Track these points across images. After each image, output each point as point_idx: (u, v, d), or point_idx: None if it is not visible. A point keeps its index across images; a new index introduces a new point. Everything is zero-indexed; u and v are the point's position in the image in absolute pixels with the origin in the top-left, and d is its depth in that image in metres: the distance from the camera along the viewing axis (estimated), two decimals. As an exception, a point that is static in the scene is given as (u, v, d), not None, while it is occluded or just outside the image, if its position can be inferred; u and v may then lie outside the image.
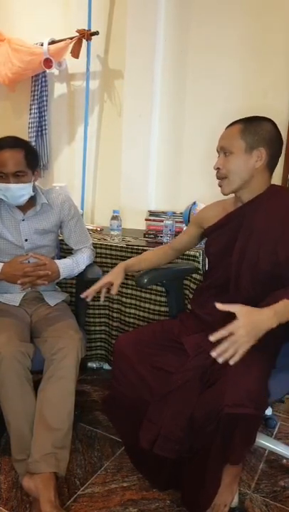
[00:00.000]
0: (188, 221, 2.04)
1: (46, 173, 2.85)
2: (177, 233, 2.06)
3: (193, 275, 1.78)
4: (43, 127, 2.77)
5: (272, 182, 1.35)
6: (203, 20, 2.19)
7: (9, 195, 1.54)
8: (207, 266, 1.58)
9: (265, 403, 1.12)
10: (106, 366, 2.23)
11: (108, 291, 1.48)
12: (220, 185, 1.33)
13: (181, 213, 2.16)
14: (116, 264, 1.95)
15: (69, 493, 1.40)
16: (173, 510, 1.34)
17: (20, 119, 2.89)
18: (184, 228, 2.09)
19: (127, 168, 2.45)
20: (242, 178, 1.28)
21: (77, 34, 2.42)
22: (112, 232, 2.08)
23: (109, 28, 2.47)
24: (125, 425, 1.40)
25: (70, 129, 2.75)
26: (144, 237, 2.17)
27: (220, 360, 1.03)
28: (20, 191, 1.53)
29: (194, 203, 2.07)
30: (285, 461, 1.60)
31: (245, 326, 1.03)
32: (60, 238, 1.85)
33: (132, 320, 2.00)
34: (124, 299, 2.00)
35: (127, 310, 2.00)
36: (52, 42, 2.51)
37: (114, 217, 2.10)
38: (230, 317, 1.21)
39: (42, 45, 2.53)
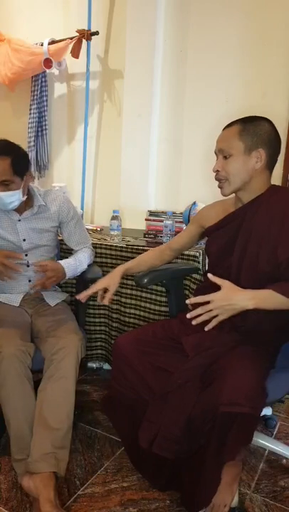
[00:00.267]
0: (188, 221, 2.04)
1: (46, 173, 2.85)
2: (177, 233, 2.06)
3: (193, 275, 1.78)
4: (43, 127, 2.77)
5: (273, 182, 1.34)
6: (202, 21, 2.19)
7: None
8: (207, 266, 1.58)
9: (262, 403, 1.12)
10: (106, 366, 2.23)
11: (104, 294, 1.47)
12: (220, 187, 1.32)
13: (181, 213, 2.16)
14: (116, 264, 1.97)
15: (69, 493, 1.40)
16: (173, 510, 1.34)
17: (20, 119, 2.89)
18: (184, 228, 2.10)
19: (126, 168, 2.45)
20: (242, 180, 1.28)
21: (77, 34, 2.42)
22: (112, 232, 2.08)
23: (109, 28, 2.47)
24: (125, 425, 1.40)
25: (70, 129, 2.75)
26: (144, 237, 2.17)
27: (193, 322, 1.16)
28: (8, 199, 1.52)
29: (194, 203, 2.07)
30: (284, 461, 1.60)
31: (222, 299, 1.15)
32: (60, 238, 1.85)
33: (132, 320, 2.00)
34: (123, 299, 2.00)
35: (127, 310, 2.00)
36: (52, 42, 2.51)
37: (114, 217, 2.10)
38: (232, 317, 1.21)
39: (42, 45, 2.53)
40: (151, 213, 2.28)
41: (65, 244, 1.81)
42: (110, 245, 1.99)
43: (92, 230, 2.37)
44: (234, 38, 2.12)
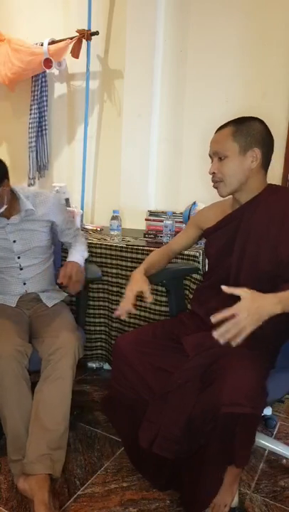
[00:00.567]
0: (188, 221, 2.04)
1: (46, 173, 2.85)
2: (177, 233, 2.06)
3: (194, 275, 1.78)
4: (43, 127, 2.77)
5: (273, 182, 1.34)
6: (202, 21, 2.19)
7: None
8: (207, 266, 1.58)
9: (263, 402, 1.12)
10: (106, 366, 2.23)
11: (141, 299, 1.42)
12: (216, 188, 1.33)
13: (180, 213, 2.16)
14: (116, 264, 1.98)
15: (69, 493, 1.40)
16: (173, 510, 1.34)
17: (20, 119, 2.89)
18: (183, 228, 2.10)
19: (126, 168, 2.45)
20: (239, 180, 1.28)
21: (77, 34, 2.42)
22: (112, 232, 2.08)
23: (109, 28, 2.47)
24: (125, 425, 1.40)
25: (70, 129, 2.75)
26: (144, 237, 2.17)
27: (221, 341, 1.04)
28: None
29: (194, 203, 2.07)
30: (284, 461, 1.60)
31: (248, 308, 1.05)
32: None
33: (132, 320, 2.00)
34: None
35: (127, 310, 2.00)
36: (52, 42, 2.51)
37: (114, 217, 2.10)
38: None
39: (42, 45, 2.53)
40: (151, 213, 2.28)
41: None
42: (110, 245, 1.99)
43: (92, 230, 2.37)
44: (234, 38, 2.12)
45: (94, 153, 2.66)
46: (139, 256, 1.90)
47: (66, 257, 1.74)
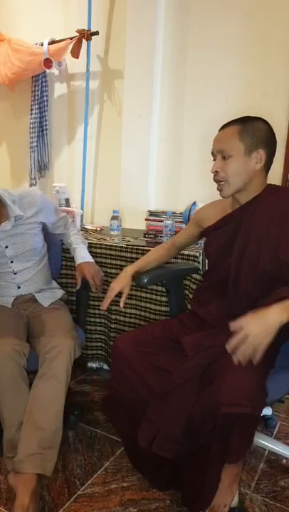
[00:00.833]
0: (188, 221, 2.04)
1: (46, 173, 2.85)
2: (177, 233, 2.06)
3: (193, 275, 1.78)
4: (44, 127, 2.77)
5: (273, 182, 1.34)
6: (202, 21, 2.19)
7: None
8: (207, 266, 1.58)
9: (262, 403, 1.12)
10: (106, 366, 2.23)
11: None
12: (219, 189, 1.30)
13: (181, 213, 2.16)
14: (116, 264, 1.97)
15: (69, 493, 1.40)
16: (173, 510, 1.34)
17: (20, 119, 2.89)
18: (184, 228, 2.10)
19: (126, 168, 2.45)
20: (243, 181, 1.27)
21: (77, 34, 2.42)
22: (112, 232, 2.08)
23: (109, 28, 2.47)
24: (125, 425, 1.40)
25: (70, 129, 2.75)
26: (144, 237, 2.17)
27: (243, 364, 1.08)
28: None
29: (194, 203, 2.07)
30: (284, 461, 1.60)
31: (255, 327, 1.07)
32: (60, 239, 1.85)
33: (132, 320, 2.00)
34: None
35: (127, 310, 2.00)
36: (52, 42, 2.51)
37: (114, 217, 2.10)
38: (232, 317, 1.21)
39: (42, 45, 2.53)
40: (151, 213, 2.28)
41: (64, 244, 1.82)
42: (110, 245, 1.99)
43: (92, 230, 2.37)
44: (234, 38, 2.12)
45: (94, 153, 2.66)
46: (139, 256, 1.90)
47: (65, 249, 1.75)
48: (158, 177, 2.44)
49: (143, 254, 1.89)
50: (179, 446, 1.20)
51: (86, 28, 2.41)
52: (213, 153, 1.31)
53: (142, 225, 2.32)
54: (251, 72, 2.10)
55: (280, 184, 2.08)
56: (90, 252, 1.93)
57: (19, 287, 1.67)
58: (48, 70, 2.58)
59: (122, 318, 2.02)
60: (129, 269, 1.53)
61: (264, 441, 1.59)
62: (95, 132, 2.63)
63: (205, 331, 1.34)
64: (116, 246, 1.98)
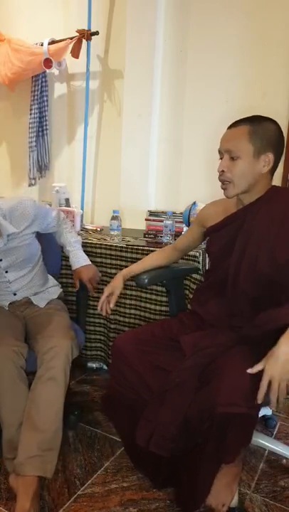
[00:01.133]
0: (188, 221, 2.04)
1: (46, 173, 2.85)
2: (177, 233, 2.06)
3: (194, 275, 1.78)
4: (44, 127, 2.77)
5: (273, 182, 1.33)
6: (202, 21, 2.19)
7: None
8: (207, 266, 1.58)
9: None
10: (105, 367, 2.23)
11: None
12: (224, 188, 1.28)
13: (181, 213, 2.16)
14: (116, 264, 1.98)
15: (69, 493, 1.40)
16: (173, 510, 1.34)
17: (20, 119, 2.89)
18: (184, 228, 2.10)
19: (126, 168, 2.45)
20: (248, 182, 1.25)
21: (77, 34, 2.42)
22: (112, 232, 2.08)
23: (109, 28, 2.47)
24: (125, 425, 1.40)
25: (70, 129, 2.75)
26: (144, 237, 2.17)
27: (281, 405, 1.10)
28: None
29: (194, 203, 2.07)
30: (284, 461, 1.60)
31: (274, 370, 1.07)
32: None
33: (132, 320, 2.00)
34: (122, 300, 2.00)
35: (127, 310, 2.00)
36: (52, 42, 2.51)
37: (114, 218, 2.10)
38: (231, 317, 1.21)
39: (42, 45, 2.53)
40: (151, 213, 2.28)
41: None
42: (110, 245, 1.99)
43: (92, 230, 2.37)
44: (234, 38, 2.12)
45: (94, 153, 2.66)
46: (139, 256, 1.90)
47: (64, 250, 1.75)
48: (158, 177, 2.44)
49: (143, 254, 1.89)
50: (175, 444, 1.20)
51: (86, 28, 2.41)
52: (220, 152, 1.28)
53: (142, 225, 2.32)
54: (251, 72, 2.10)
55: (280, 184, 2.08)
56: (90, 252, 1.93)
57: (15, 294, 1.66)
58: (48, 70, 2.58)
59: (121, 319, 2.02)
60: (121, 272, 1.56)
61: (264, 441, 1.59)
62: (95, 132, 2.63)
63: (204, 331, 1.34)
64: (116, 246, 1.98)
